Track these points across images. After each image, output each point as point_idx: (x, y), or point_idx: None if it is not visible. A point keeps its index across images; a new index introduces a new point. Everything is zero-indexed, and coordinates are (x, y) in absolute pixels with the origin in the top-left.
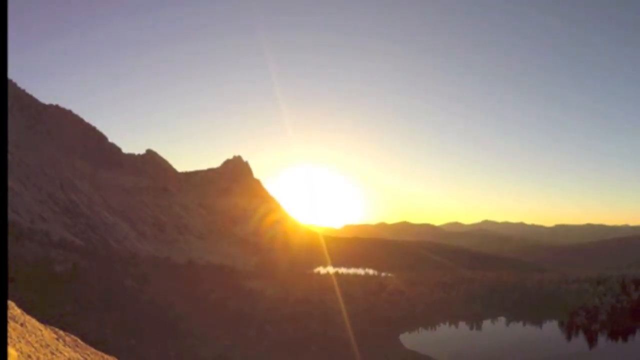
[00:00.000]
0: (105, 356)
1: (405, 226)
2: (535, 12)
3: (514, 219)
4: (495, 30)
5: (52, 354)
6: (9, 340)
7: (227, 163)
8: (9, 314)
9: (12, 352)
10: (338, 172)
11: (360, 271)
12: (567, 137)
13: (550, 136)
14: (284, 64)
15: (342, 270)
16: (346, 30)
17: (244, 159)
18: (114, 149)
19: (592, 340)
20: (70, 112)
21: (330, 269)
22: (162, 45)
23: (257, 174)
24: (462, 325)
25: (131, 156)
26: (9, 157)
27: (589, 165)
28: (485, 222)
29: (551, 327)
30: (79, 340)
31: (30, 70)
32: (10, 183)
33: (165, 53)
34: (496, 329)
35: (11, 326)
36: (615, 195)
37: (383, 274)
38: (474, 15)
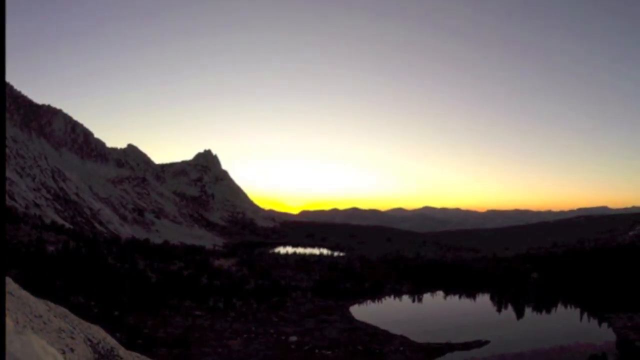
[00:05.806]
0: (92, 325)
1: (355, 211)
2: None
3: (451, 204)
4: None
5: (45, 323)
6: (7, 312)
7: (199, 156)
8: (6, 289)
9: (9, 322)
10: (298, 161)
11: (316, 251)
12: (497, 132)
13: (482, 130)
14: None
15: (300, 250)
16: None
17: (214, 152)
18: (99, 143)
19: (519, 311)
20: (60, 111)
21: (289, 249)
22: (153, 44)
23: (224, 165)
24: (405, 298)
25: (114, 150)
26: (7, 150)
27: (515, 155)
28: (426, 207)
29: (484, 300)
30: (68, 312)
31: (24, 72)
32: (7, 173)
33: (155, 51)
34: (435, 301)
35: (8, 299)
36: (539, 184)
37: (335, 254)
38: None
